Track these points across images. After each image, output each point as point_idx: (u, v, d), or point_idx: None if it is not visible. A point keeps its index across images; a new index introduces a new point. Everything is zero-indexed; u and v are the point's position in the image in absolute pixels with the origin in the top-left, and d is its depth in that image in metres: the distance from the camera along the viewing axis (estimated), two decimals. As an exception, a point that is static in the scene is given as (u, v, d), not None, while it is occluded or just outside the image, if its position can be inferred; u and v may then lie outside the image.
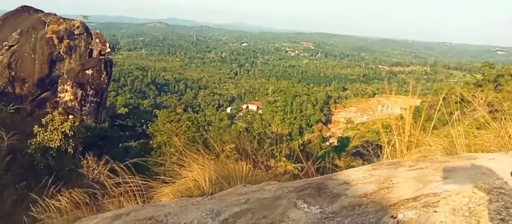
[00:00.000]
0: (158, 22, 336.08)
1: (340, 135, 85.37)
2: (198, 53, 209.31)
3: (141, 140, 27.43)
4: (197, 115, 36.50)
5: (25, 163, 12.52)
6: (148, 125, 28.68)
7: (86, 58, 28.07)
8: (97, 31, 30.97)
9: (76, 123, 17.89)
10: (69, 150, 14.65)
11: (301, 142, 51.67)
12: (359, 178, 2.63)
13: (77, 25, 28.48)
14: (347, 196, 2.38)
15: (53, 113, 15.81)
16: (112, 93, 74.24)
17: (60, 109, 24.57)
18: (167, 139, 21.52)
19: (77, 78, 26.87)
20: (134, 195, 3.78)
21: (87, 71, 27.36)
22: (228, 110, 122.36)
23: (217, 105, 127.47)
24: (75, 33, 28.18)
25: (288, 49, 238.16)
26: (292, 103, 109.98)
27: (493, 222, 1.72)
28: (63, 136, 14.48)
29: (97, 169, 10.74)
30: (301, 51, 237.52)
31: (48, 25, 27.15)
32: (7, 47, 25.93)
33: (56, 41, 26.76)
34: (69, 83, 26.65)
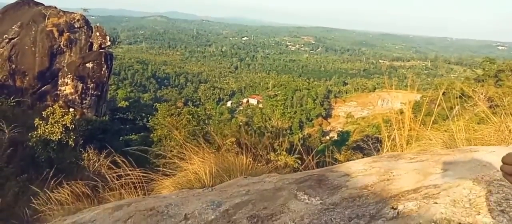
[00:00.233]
0: (158, 16, 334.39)
1: (340, 130, 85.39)
2: (199, 47, 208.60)
3: (142, 134, 27.48)
4: (198, 109, 36.39)
5: (26, 156, 12.54)
6: (149, 119, 28.68)
7: (87, 51, 28.03)
8: (98, 24, 30.89)
9: (77, 116, 17.89)
10: (70, 143, 14.66)
11: (301, 136, 51.73)
12: (360, 170, 2.64)
13: (77, 18, 28.40)
14: (347, 187, 2.38)
15: (53, 106, 15.81)
16: (113, 86, 74.09)
17: (60, 102, 24.56)
18: (167, 133, 21.54)
19: (78, 71, 26.85)
20: (135, 187, 3.80)
21: (87, 65, 27.33)
22: (229, 104, 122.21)
23: (217, 99, 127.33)
24: (75, 26, 28.12)
25: (288, 43, 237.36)
26: (292, 97, 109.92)
27: (493, 213, 1.72)
28: (64, 129, 14.49)
29: (98, 162, 10.77)
30: (302, 45, 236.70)
31: (48, 18, 27.07)
32: (7, 40, 25.88)
33: (56, 34, 26.70)
34: (69, 76, 26.63)
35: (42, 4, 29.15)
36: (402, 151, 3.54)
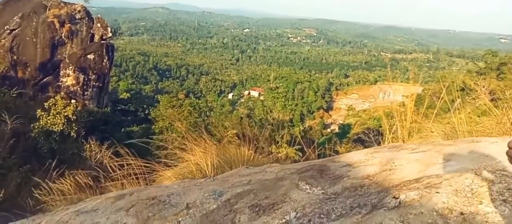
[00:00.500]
0: (160, 7, 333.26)
1: (341, 122, 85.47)
2: (200, 38, 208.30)
3: (143, 125, 27.54)
4: (199, 101, 36.43)
5: (28, 147, 12.59)
6: (150, 110, 28.72)
7: (88, 42, 27.96)
8: (99, 15, 30.77)
9: (79, 108, 17.94)
10: (72, 134, 14.73)
11: (302, 128, 51.75)
12: (361, 160, 2.64)
13: (78, 9, 28.29)
14: (349, 177, 2.39)
15: (55, 97, 15.84)
16: (114, 78, 74.04)
17: (62, 93, 24.55)
18: (169, 124, 21.60)
19: (79, 63, 26.82)
20: (137, 177, 3.81)
21: (89, 56, 27.27)
22: (230, 96, 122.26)
23: (218, 91, 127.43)
24: (77, 17, 28.01)
25: (290, 36, 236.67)
26: (293, 89, 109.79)
27: (495, 203, 1.72)
28: (66, 120, 14.54)
29: (99, 153, 10.80)
30: (303, 37, 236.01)
31: (49, 9, 26.97)
32: (9, 31, 25.83)
33: (57, 25, 26.63)
34: (71, 67, 26.61)
35: (43, -5, 29.04)
36: (403, 143, 3.53)
